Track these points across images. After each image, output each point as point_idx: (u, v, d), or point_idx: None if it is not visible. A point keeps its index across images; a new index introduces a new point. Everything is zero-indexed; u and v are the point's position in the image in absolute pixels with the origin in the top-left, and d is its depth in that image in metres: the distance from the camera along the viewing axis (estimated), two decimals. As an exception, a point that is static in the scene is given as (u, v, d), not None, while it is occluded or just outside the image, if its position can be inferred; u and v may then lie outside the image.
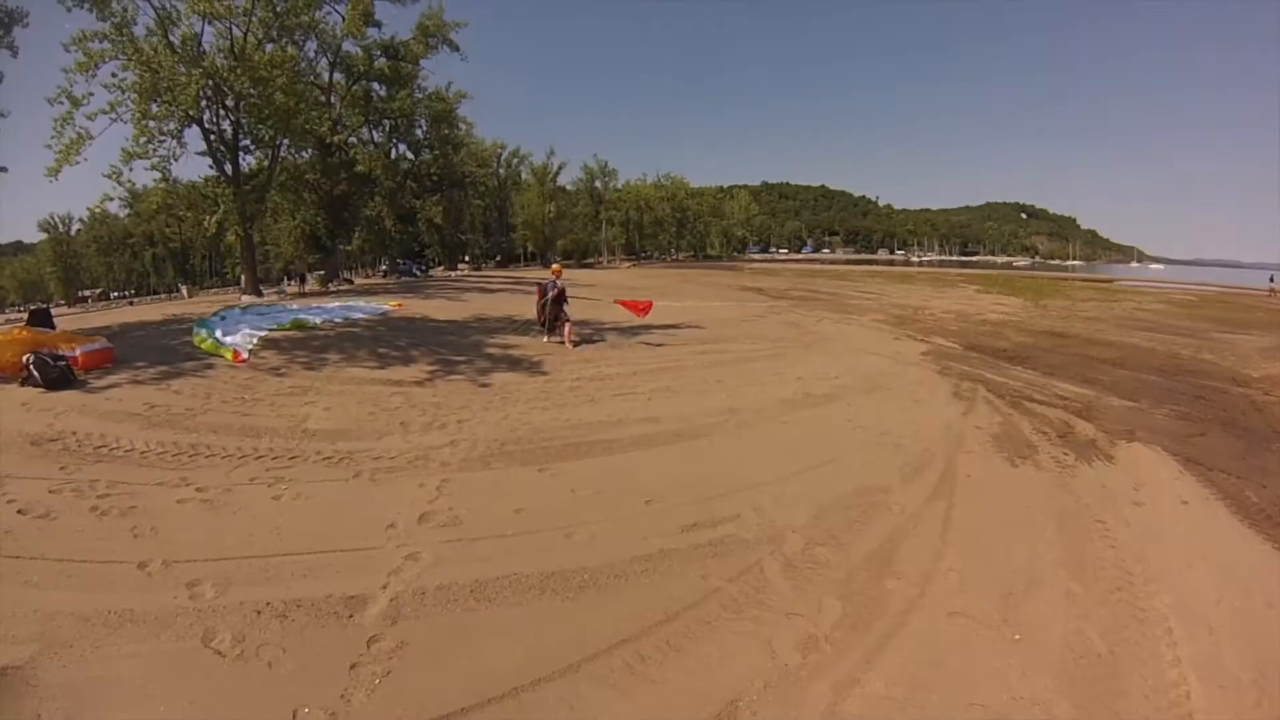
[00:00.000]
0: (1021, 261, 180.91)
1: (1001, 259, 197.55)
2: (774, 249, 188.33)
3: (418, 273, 58.37)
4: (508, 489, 6.28)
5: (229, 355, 11.57)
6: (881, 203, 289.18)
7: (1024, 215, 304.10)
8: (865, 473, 7.18)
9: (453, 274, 57.12)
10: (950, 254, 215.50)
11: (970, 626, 4.39)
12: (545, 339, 14.54)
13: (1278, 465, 7.98)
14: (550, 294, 14.30)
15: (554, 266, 15.25)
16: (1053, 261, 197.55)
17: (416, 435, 7.79)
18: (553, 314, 14.36)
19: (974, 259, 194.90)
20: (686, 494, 6.29)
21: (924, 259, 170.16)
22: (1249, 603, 4.90)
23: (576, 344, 14.15)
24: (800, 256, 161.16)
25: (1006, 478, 7.31)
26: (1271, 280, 49.28)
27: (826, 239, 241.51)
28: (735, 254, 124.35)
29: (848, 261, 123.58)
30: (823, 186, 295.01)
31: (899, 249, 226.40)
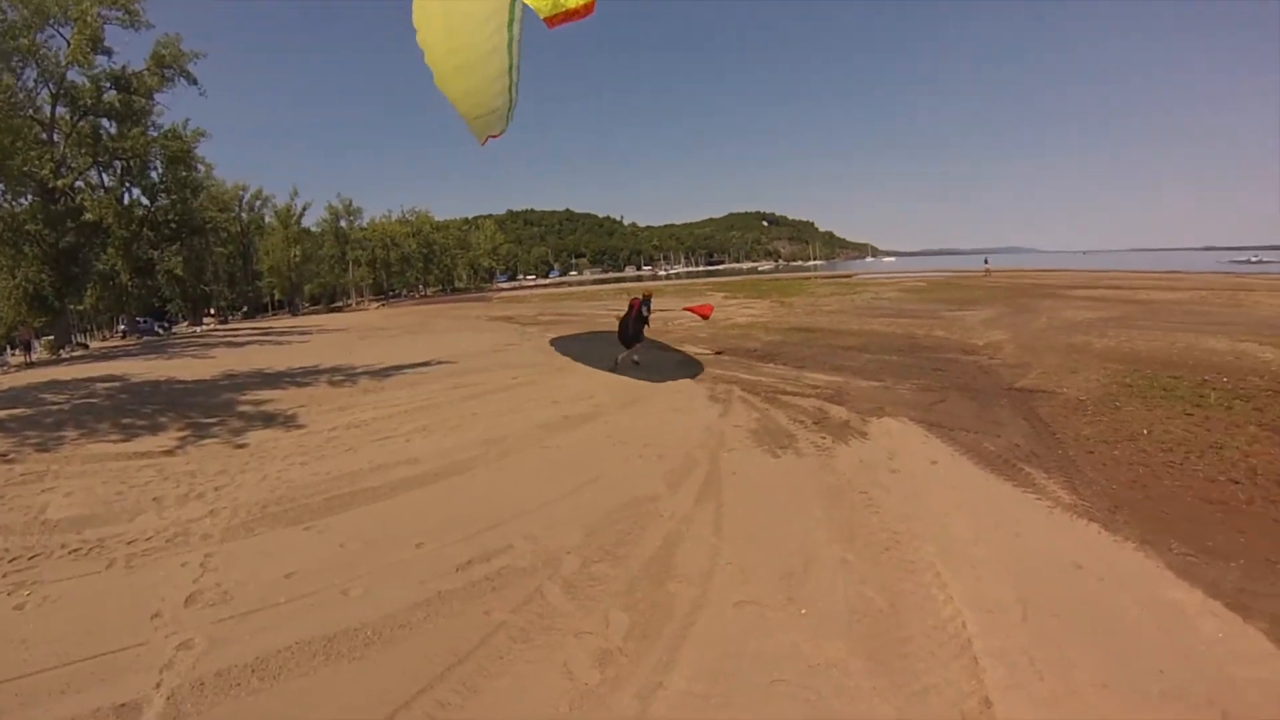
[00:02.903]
0: (766, 265, 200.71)
1: (746, 265, 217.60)
2: (522, 276, 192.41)
3: (160, 331, 58.09)
4: (276, 553, 6.20)
5: None
6: (626, 221, 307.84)
7: (765, 222, 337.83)
8: (632, 485, 7.59)
9: (198, 329, 55.53)
10: (697, 265, 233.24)
11: (758, 611, 4.79)
12: (620, 355, 15.59)
13: (1007, 417, 9.64)
14: (646, 313, 15.38)
15: (646, 289, 16.56)
16: (795, 263, 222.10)
17: (173, 510, 7.45)
18: (636, 329, 15.37)
19: (720, 268, 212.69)
20: (457, 532, 6.47)
21: (671, 272, 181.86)
22: (1001, 536, 5.87)
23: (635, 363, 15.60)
24: (548, 281, 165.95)
25: (770, 468, 8.07)
26: (986, 262, 63.00)
27: (574, 261, 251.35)
28: (483, 284, 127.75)
29: (595, 281, 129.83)
30: (567, 210, 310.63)
31: (646, 265, 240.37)
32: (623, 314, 15.76)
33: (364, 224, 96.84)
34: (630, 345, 15.62)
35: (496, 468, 8.56)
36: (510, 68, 11.99)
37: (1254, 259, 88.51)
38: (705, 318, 18.93)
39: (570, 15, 9.55)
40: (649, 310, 15.61)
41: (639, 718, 3.75)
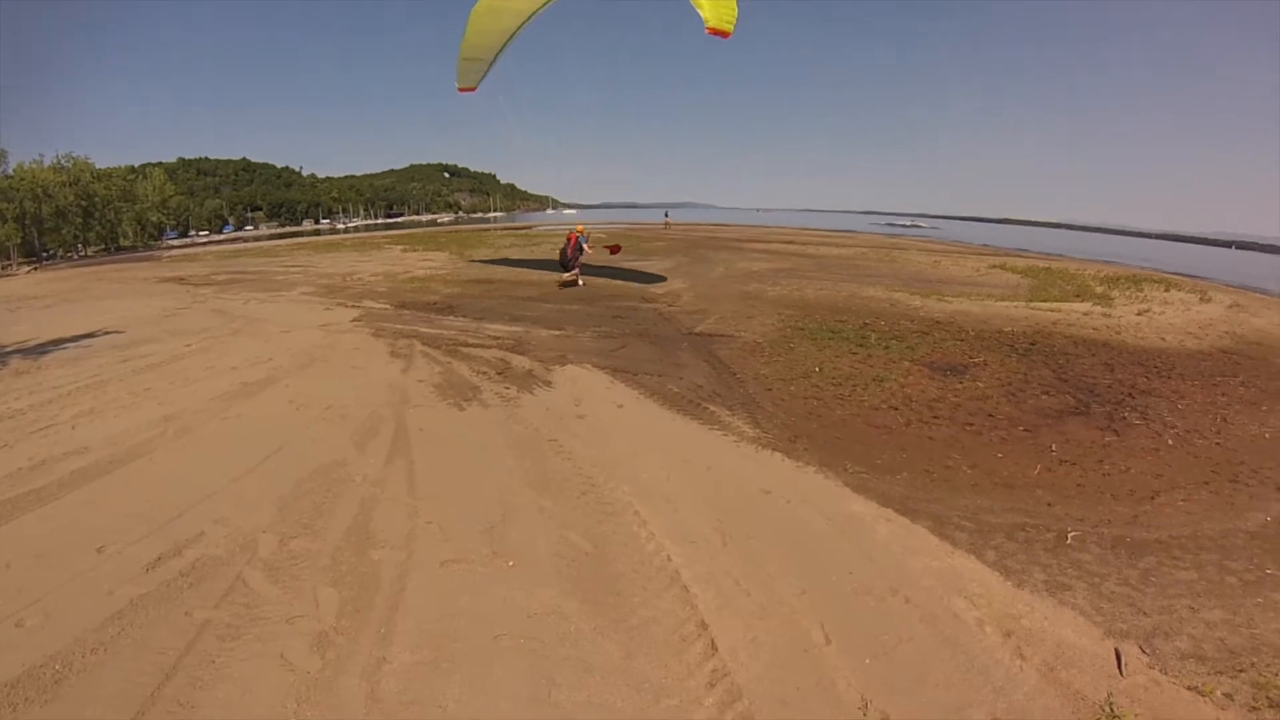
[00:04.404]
0: (446, 217, 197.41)
1: (426, 217, 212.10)
2: (194, 232, 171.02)
3: None
4: (-75, 591, 4.93)
5: None
6: (305, 173, 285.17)
7: (446, 175, 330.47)
8: (319, 451, 7.22)
9: None
10: (376, 218, 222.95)
11: (466, 568, 4.79)
12: (563, 276, 19.68)
13: (688, 360, 10.46)
14: (583, 244, 19.93)
15: (579, 226, 21.21)
16: (475, 215, 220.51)
17: None
18: (574, 256, 19.61)
19: (400, 220, 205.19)
20: (141, 526, 5.75)
21: (350, 225, 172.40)
22: (692, 471, 6.38)
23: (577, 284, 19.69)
24: (222, 237, 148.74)
25: (458, 422, 8.12)
26: (666, 215, 67.73)
27: (250, 215, 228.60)
28: (152, 242, 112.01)
29: (271, 236, 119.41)
30: (244, 160, 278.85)
31: (324, 218, 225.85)
32: (561, 245, 20.12)
33: (9, 172, 79.38)
34: (568, 269, 19.61)
35: (176, 447, 7.75)
36: (512, 34, 12.09)
37: (908, 224, 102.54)
38: (616, 252, 24.56)
39: (718, 34, 12.47)
40: (587, 242, 20.25)
41: (372, 697, 3.61)
